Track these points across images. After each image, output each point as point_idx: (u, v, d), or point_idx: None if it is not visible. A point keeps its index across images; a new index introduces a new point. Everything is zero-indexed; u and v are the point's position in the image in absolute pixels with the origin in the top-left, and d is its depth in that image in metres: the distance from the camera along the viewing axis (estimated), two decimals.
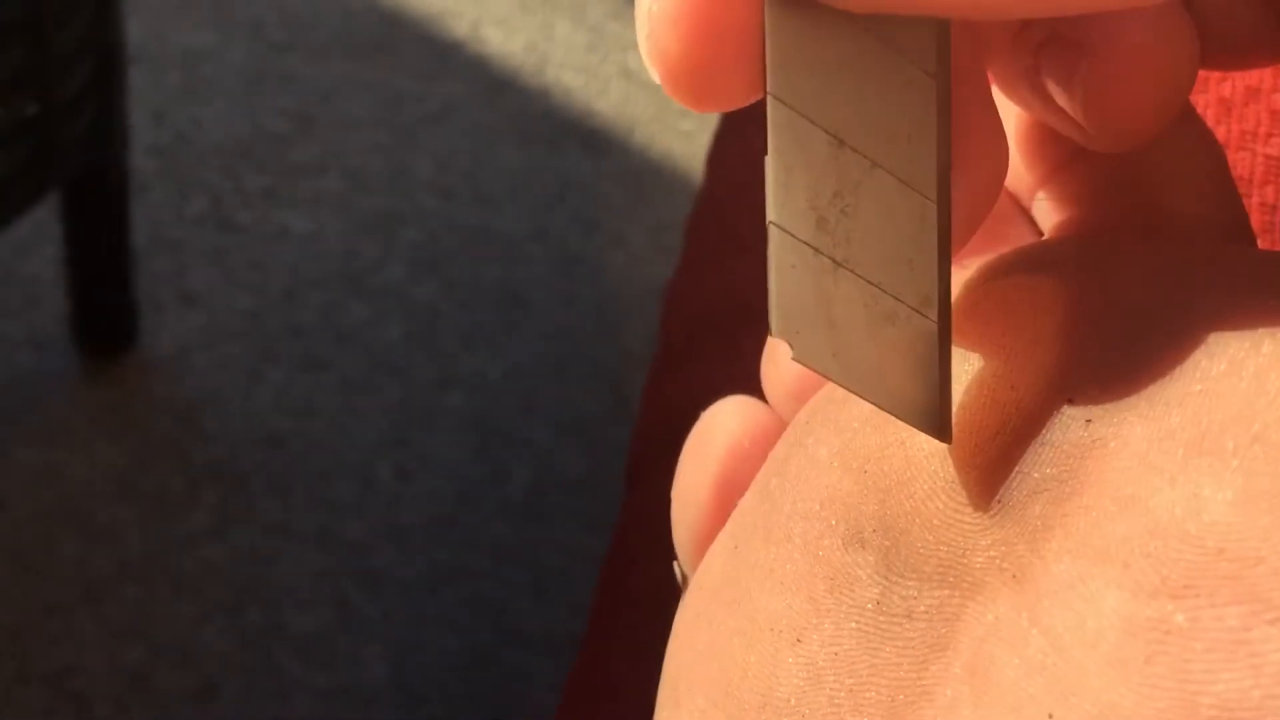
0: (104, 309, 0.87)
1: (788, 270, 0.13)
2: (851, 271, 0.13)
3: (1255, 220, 0.24)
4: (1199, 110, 0.27)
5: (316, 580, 0.84)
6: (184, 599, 0.82)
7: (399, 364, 0.95)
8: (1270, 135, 0.24)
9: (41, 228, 0.90)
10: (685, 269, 0.32)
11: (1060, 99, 0.15)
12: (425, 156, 1.07)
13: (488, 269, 1.01)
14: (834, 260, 0.13)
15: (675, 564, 0.19)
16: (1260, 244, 0.17)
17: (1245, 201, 0.24)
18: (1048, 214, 0.17)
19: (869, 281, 0.13)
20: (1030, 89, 0.15)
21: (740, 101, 0.14)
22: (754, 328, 0.28)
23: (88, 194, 0.78)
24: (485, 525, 0.88)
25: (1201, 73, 0.26)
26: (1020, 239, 0.17)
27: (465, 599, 0.84)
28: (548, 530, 0.88)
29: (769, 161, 0.13)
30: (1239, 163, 0.25)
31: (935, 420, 0.14)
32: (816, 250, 0.13)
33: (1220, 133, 0.26)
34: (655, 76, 0.14)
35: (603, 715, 0.26)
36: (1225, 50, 0.16)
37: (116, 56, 0.71)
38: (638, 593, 0.25)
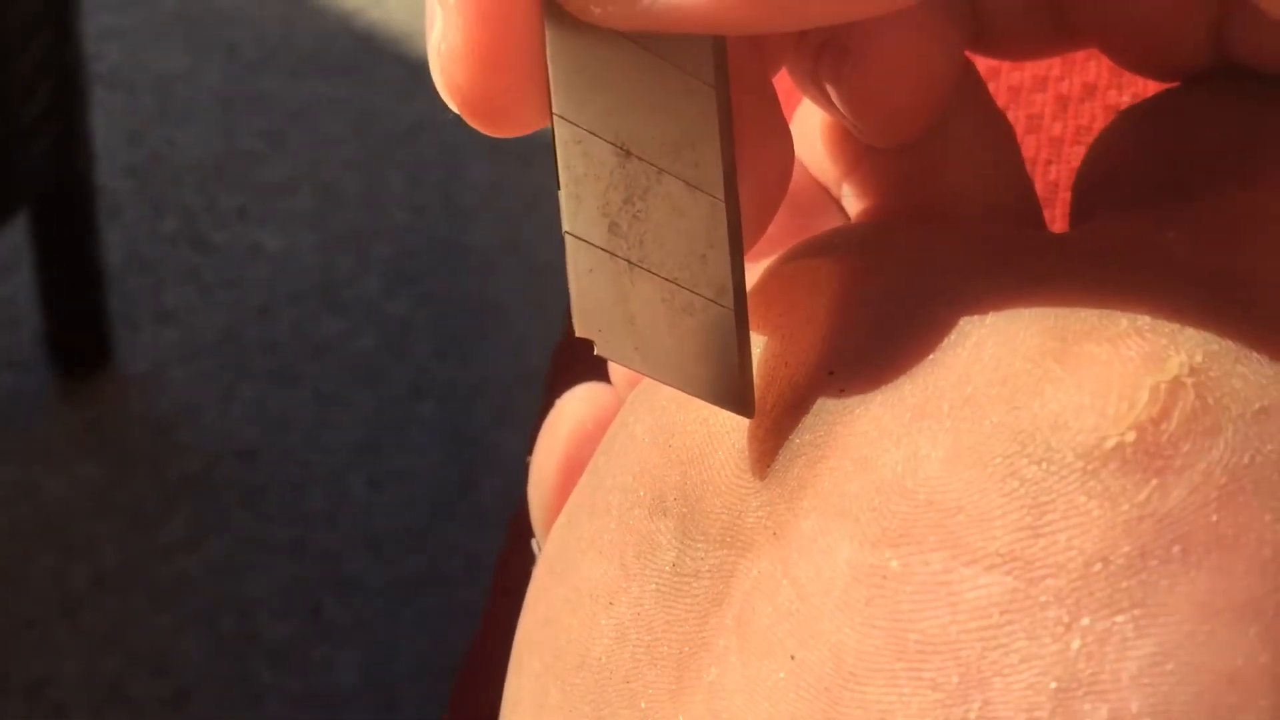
0: (78, 328, 0.88)
1: (585, 274, 0.14)
2: (647, 270, 0.15)
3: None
4: (1037, 108, 0.29)
5: (289, 589, 0.85)
6: (159, 609, 0.83)
7: (372, 375, 0.96)
8: (1055, 118, 0.26)
9: (16, 250, 0.92)
10: None
11: (834, 99, 0.17)
12: (397, 172, 1.08)
13: (460, 281, 1.03)
14: (629, 261, 0.14)
15: (533, 540, 0.20)
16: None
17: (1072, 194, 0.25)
18: (853, 204, 0.19)
19: (665, 278, 0.15)
20: (815, 89, 0.17)
21: (536, 124, 0.15)
22: None
23: (56, 214, 0.79)
24: (457, 534, 0.89)
25: (1040, 71, 0.28)
26: (828, 228, 0.19)
27: (438, 606, 0.86)
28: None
29: (560, 175, 0.14)
30: (1074, 156, 0.27)
31: (738, 398, 0.15)
32: (611, 254, 0.14)
33: (1057, 129, 0.27)
34: (453, 107, 0.15)
35: (493, 691, 0.27)
36: (1002, 42, 0.18)
37: (76, 78, 0.72)
38: (517, 579, 0.27)
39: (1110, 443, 0.12)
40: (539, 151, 1.11)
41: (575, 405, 0.20)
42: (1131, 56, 0.17)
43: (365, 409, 0.94)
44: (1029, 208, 0.18)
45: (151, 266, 0.99)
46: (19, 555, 0.84)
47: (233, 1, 1.18)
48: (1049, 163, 0.27)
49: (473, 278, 1.03)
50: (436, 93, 0.14)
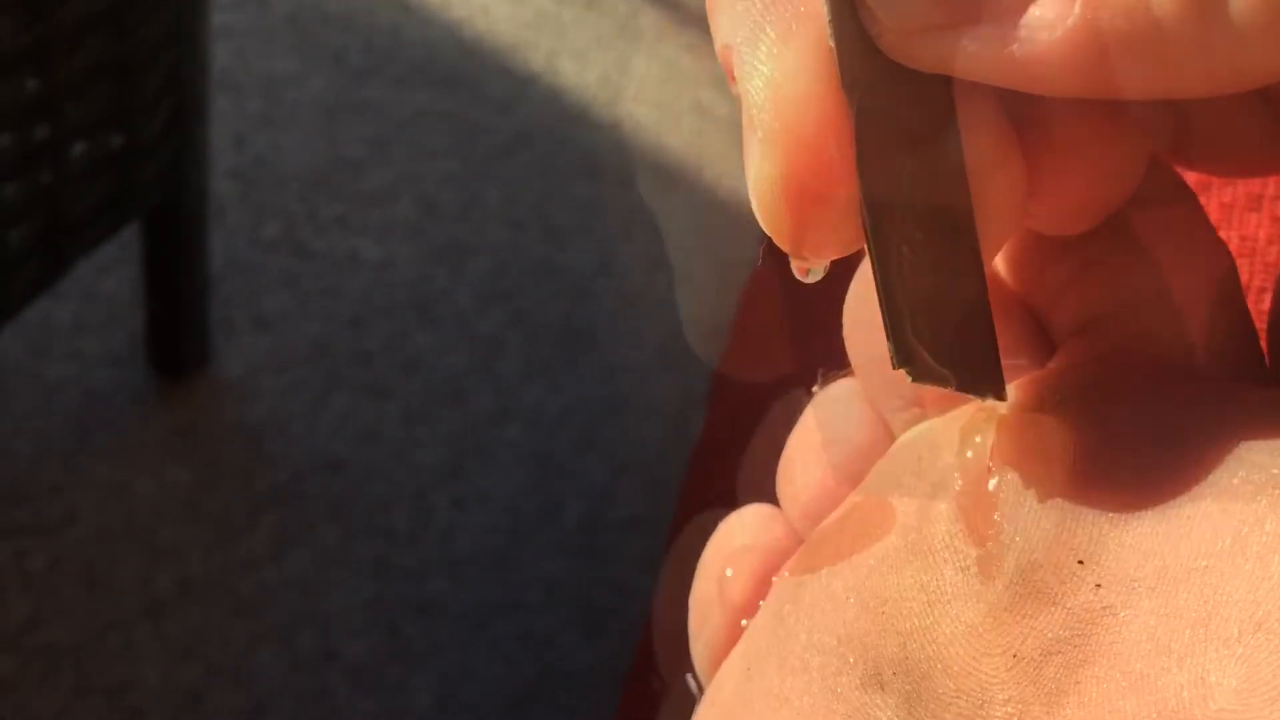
0: (178, 330, 0.89)
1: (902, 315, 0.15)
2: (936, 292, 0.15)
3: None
4: (1250, 229, 0.27)
5: (369, 607, 0.85)
6: (241, 620, 0.83)
7: (461, 394, 0.96)
8: (1271, 242, 0.24)
9: (122, 248, 0.93)
10: (734, 350, 0.33)
11: None
12: (496, 188, 1.08)
13: (553, 302, 1.02)
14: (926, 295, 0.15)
15: (689, 676, 0.19)
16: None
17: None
18: (1057, 329, 0.17)
19: (941, 292, 0.15)
20: None
21: (847, 250, 0.15)
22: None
23: (167, 221, 0.80)
24: (538, 560, 0.89)
25: (1254, 189, 0.26)
26: (1035, 354, 0.18)
27: (515, 633, 0.85)
28: (600, 568, 0.89)
29: (884, 309, 0.15)
30: (1239, 269, 0.25)
31: (994, 386, 0.15)
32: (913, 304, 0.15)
33: (1273, 253, 0.26)
34: (769, 232, 0.15)
35: None
36: (1212, 154, 0.16)
37: (199, 94, 0.73)
38: (657, 700, 0.26)
39: None
40: (639, 172, 1.10)
41: (746, 536, 0.19)
42: None
43: (452, 428, 0.94)
44: (1247, 345, 0.17)
45: (251, 271, 1.00)
46: (107, 556, 0.85)
47: (343, 6, 1.18)
48: (1263, 290, 0.25)
49: (565, 299, 1.02)
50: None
